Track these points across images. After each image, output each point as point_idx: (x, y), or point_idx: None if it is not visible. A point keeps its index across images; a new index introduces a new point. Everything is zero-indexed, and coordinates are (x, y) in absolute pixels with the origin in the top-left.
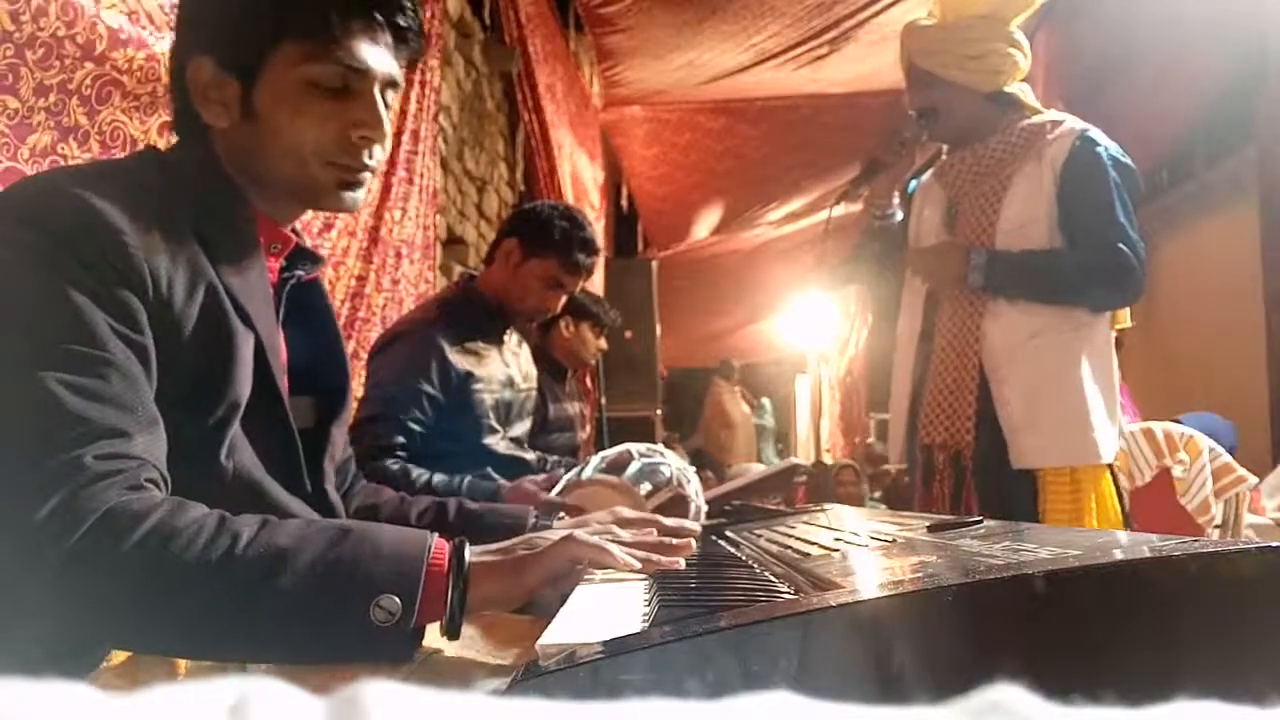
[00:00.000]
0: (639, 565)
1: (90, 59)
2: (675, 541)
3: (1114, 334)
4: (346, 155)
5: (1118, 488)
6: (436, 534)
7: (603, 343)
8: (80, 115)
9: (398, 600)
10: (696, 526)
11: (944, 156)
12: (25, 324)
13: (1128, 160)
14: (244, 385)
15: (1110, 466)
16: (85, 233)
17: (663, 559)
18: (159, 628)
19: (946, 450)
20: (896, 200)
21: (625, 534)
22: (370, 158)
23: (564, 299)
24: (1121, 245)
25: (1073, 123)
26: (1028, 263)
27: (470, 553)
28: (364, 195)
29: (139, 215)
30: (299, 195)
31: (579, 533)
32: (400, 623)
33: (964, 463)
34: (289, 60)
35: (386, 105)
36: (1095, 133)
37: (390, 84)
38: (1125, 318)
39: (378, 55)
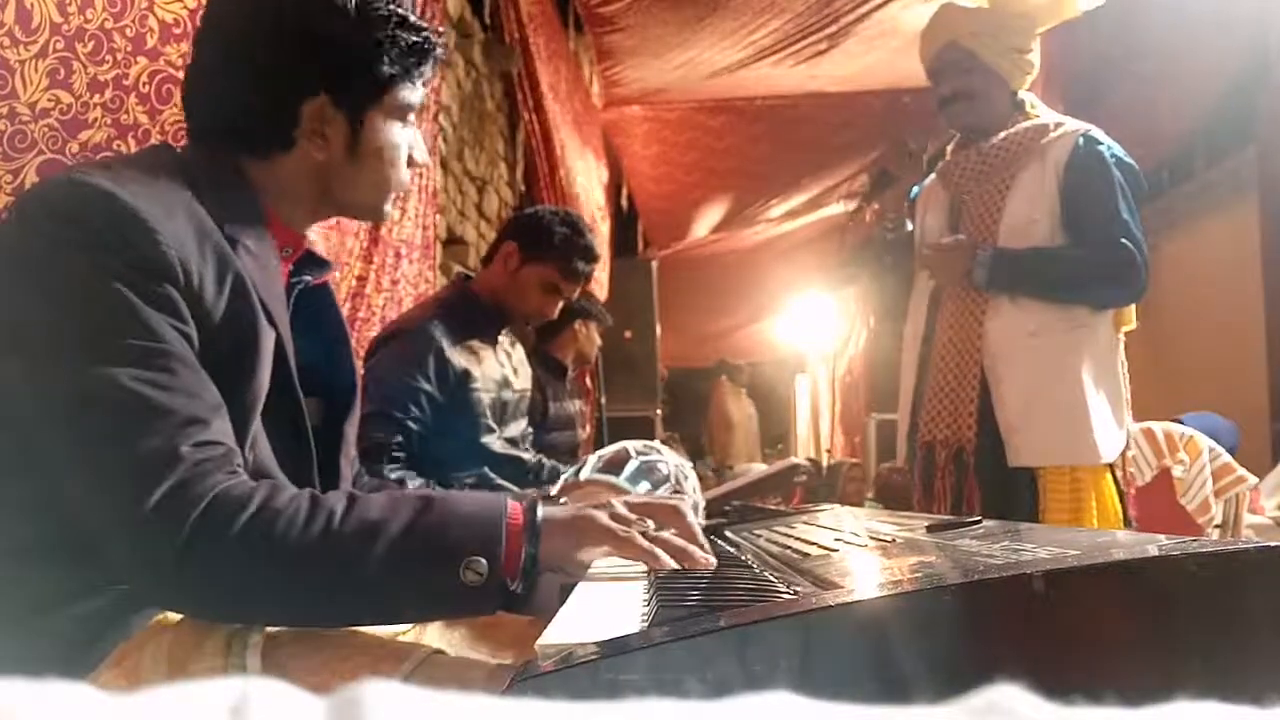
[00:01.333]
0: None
1: (142, 53)
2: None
3: (1121, 336)
4: (405, 181)
5: (1119, 488)
6: (509, 497)
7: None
8: (140, 113)
9: (484, 561)
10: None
11: (947, 157)
12: (81, 322)
13: (1130, 160)
14: (265, 378)
15: (1111, 466)
16: (119, 229)
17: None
18: (274, 603)
19: (948, 447)
20: (906, 206)
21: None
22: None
23: (561, 304)
24: (1125, 241)
25: (1074, 123)
26: (1031, 259)
27: (542, 512)
28: None
29: (168, 209)
30: (358, 214)
31: (642, 540)
32: (489, 581)
33: (966, 459)
34: (392, 100)
35: None
36: (1097, 132)
37: None
38: (1131, 318)
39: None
